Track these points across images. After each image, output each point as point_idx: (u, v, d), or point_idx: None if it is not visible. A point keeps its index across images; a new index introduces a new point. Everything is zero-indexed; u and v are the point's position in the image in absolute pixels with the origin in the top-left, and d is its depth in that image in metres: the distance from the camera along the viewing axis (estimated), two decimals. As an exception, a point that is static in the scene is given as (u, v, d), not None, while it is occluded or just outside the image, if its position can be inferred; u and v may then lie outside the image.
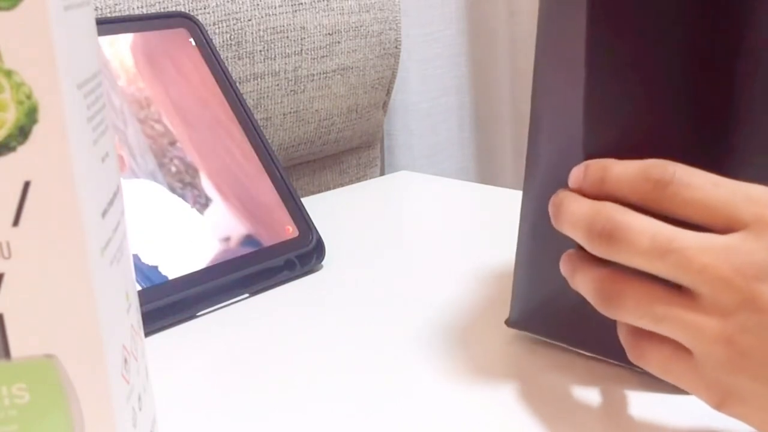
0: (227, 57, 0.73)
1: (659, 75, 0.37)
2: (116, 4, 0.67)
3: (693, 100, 0.37)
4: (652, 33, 0.37)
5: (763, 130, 0.38)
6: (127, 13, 0.67)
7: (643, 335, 0.33)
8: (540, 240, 0.41)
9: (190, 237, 0.52)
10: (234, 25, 0.73)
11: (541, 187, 0.41)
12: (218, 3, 0.72)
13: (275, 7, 0.76)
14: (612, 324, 0.36)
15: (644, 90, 0.37)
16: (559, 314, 0.42)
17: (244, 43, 0.74)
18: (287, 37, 0.77)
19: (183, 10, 0.70)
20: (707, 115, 0.37)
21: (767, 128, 0.38)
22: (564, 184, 0.37)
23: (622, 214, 0.32)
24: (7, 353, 0.24)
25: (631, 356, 0.34)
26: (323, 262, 0.57)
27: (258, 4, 0.75)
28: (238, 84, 0.73)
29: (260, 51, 0.76)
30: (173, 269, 0.51)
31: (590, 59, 0.37)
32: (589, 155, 0.37)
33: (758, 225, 0.30)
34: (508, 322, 0.44)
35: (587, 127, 0.38)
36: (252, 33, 0.75)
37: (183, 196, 0.54)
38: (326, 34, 0.81)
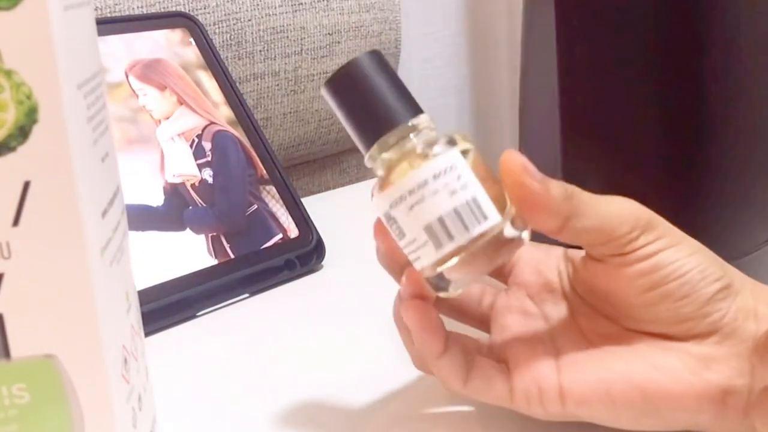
0: (227, 57, 0.73)
1: (629, 73, 0.38)
2: (116, 4, 0.67)
3: (664, 103, 0.38)
4: (621, 38, 0.37)
5: (732, 131, 0.38)
6: (127, 13, 0.67)
7: None
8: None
9: (190, 237, 0.52)
10: (234, 25, 0.73)
11: None
12: (218, 3, 0.72)
13: (275, 7, 0.76)
14: None
15: (615, 89, 0.38)
16: None
17: (244, 43, 0.74)
18: (287, 37, 0.77)
19: (183, 10, 0.70)
20: (679, 116, 0.38)
21: (735, 130, 0.38)
22: None
23: None
24: (7, 353, 0.24)
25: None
26: (323, 262, 0.57)
27: (258, 4, 0.75)
28: (238, 84, 0.73)
29: (260, 51, 0.76)
30: (173, 269, 0.51)
31: (561, 65, 0.38)
32: (568, 157, 0.38)
33: None
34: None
35: (564, 132, 0.38)
36: (252, 33, 0.75)
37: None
38: (326, 34, 0.81)
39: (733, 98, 0.38)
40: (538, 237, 0.32)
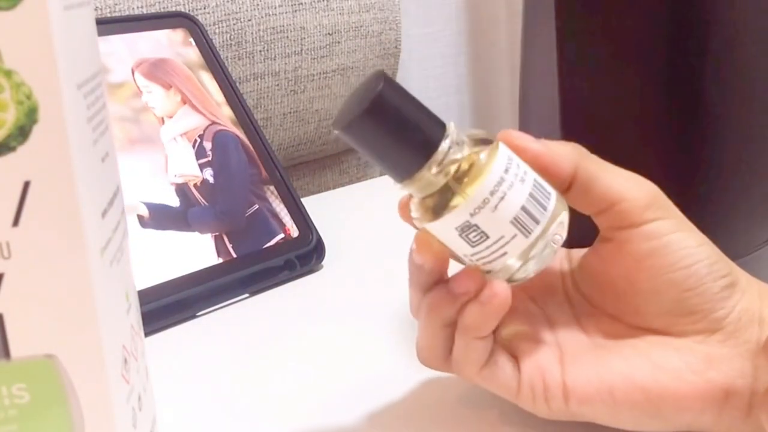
0: (227, 57, 0.73)
1: (629, 79, 0.38)
2: (116, 4, 0.67)
3: (664, 103, 0.38)
4: (621, 39, 0.37)
5: (731, 131, 0.38)
6: (127, 13, 0.67)
7: None
8: None
9: (190, 236, 0.52)
10: (234, 25, 0.73)
11: None
12: (218, 3, 0.72)
13: (275, 7, 0.76)
14: None
15: (615, 89, 0.38)
16: None
17: (244, 43, 0.74)
18: (287, 37, 0.77)
19: (183, 10, 0.70)
20: (679, 116, 0.38)
21: (735, 130, 0.39)
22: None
23: None
24: (7, 353, 0.24)
25: None
26: (323, 262, 0.57)
27: (258, 4, 0.75)
28: (238, 84, 0.73)
29: (260, 51, 0.76)
30: (173, 269, 0.51)
31: (561, 64, 0.38)
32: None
33: None
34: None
35: (563, 131, 0.38)
36: (252, 33, 0.75)
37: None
38: (326, 34, 0.81)
39: (733, 98, 0.38)
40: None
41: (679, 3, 0.37)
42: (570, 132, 0.39)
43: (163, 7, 0.69)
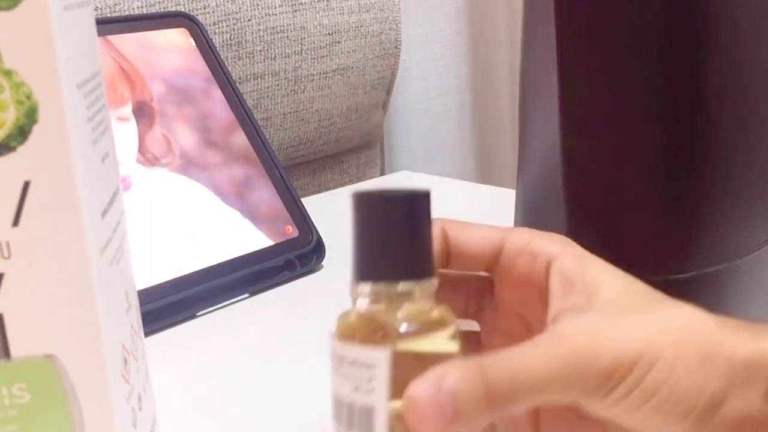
0: (227, 57, 0.73)
1: (630, 78, 0.38)
2: (116, 4, 0.67)
3: (664, 101, 0.38)
4: (622, 38, 0.37)
5: (732, 130, 0.38)
6: (127, 13, 0.67)
7: None
8: None
9: (190, 236, 0.52)
10: (234, 25, 0.73)
11: (528, 188, 0.42)
12: (218, 3, 0.72)
13: (275, 7, 0.76)
14: None
15: (615, 89, 0.38)
16: None
17: (244, 43, 0.74)
18: (287, 37, 0.77)
19: (183, 10, 0.70)
20: (679, 115, 0.38)
21: (736, 129, 0.39)
22: (550, 185, 0.38)
23: None
24: (7, 353, 0.24)
25: None
26: (323, 262, 0.57)
27: (258, 4, 0.75)
28: (238, 84, 0.73)
29: (260, 51, 0.76)
30: (173, 269, 0.51)
31: (561, 64, 0.38)
32: (568, 156, 0.38)
33: None
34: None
35: (564, 130, 0.38)
36: (252, 33, 0.75)
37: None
38: (326, 34, 0.81)
39: (734, 98, 0.38)
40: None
41: (679, 2, 0.37)
42: (570, 132, 0.39)
43: (163, 7, 0.69)
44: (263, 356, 0.45)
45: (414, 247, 0.28)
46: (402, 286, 0.27)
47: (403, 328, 0.27)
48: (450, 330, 0.27)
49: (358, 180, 0.93)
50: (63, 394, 0.25)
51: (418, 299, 0.27)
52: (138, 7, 0.68)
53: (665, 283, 0.38)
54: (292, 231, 0.56)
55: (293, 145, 0.83)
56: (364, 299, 0.28)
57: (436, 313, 0.27)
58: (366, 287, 0.28)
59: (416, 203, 0.27)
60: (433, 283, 0.28)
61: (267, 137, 0.61)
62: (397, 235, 0.27)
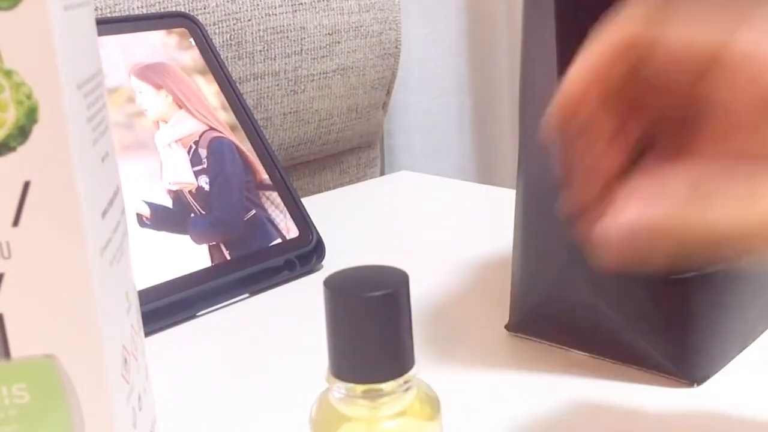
0: (227, 57, 0.73)
1: None
2: (116, 4, 0.67)
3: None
4: None
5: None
6: (127, 13, 0.67)
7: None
8: (530, 242, 0.42)
9: (190, 236, 0.52)
10: (234, 25, 0.73)
11: (528, 188, 0.42)
12: (218, 3, 0.72)
13: (275, 7, 0.76)
14: (598, 324, 0.37)
15: None
16: (552, 319, 0.42)
17: (244, 43, 0.74)
18: (287, 37, 0.77)
19: (183, 10, 0.70)
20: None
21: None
22: (550, 186, 0.38)
23: None
24: (7, 353, 0.24)
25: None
26: (323, 262, 0.57)
27: (258, 4, 0.75)
28: (238, 84, 0.73)
29: (260, 51, 0.76)
30: (173, 269, 0.51)
31: (561, 64, 0.38)
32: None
33: None
34: (508, 327, 0.45)
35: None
36: (252, 33, 0.75)
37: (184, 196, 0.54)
38: (326, 34, 0.81)
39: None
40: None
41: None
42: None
43: (163, 7, 0.69)
44: (263, 356, 0.45)
45: (391, 347, 0.27)
46: (383, 386, 0.27)
47: (388, 425, 0.27)
48: (431, 413, 0.28)
49: (358, 180, 0.93)
50: (63, 394, 0.25)
51: (397, 390, 0.27)
52: (138, 7, 0.68)
53: (665, 283, 0.38)
54: (292, 231, 0.57)
55: (293, 145, 0.83)
56: (340, 389, 0.28)
57: (417, 403, 0.28)
58: (343, 385, 0.27)
59: (391, 299, 0.26)
60: (413, 371, 0.27)
61: (267, 137, 0.61)
62: (373, 338, 0.26)
